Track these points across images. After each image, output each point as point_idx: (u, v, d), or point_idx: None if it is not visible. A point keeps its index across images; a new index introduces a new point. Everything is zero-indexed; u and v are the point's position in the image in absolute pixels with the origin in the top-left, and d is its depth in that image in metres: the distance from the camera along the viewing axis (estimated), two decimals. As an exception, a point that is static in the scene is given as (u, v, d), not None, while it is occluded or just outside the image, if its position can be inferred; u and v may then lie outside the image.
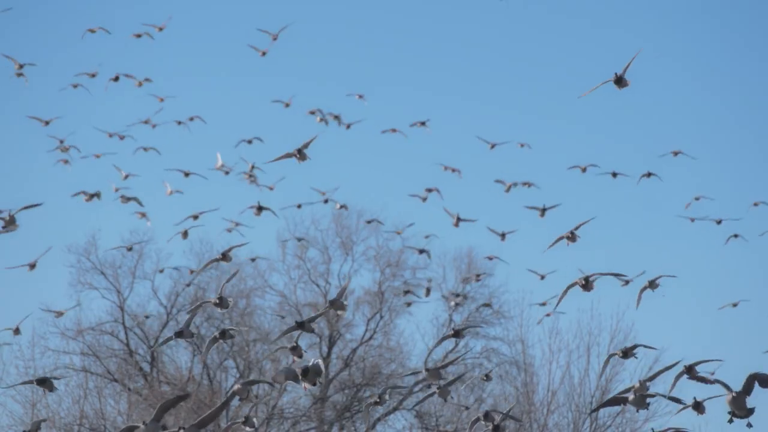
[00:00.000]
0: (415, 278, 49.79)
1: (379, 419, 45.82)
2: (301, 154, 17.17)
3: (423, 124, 34.65)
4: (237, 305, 47.15)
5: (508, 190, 32.49)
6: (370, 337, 48.26)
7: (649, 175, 29.66)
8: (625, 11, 62.43)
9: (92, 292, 46.87)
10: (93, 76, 31.79)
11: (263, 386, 45.17)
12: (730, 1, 60.98)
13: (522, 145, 35.08)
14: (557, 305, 16.58)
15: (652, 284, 17.91)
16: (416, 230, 47.53)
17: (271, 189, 34.23)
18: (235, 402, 43.78)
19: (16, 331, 24.37)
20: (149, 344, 46.09)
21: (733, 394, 12.20)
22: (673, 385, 13.90)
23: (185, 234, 30.11)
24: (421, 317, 64.66)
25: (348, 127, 34.53)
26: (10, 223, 18.06)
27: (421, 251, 41.01)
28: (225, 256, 18.06)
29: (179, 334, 16.14)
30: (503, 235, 31.78)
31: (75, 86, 32.07)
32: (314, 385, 14.57)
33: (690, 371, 13.55)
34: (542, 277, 32.33)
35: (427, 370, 15.75)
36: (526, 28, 64.67)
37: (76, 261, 47.35)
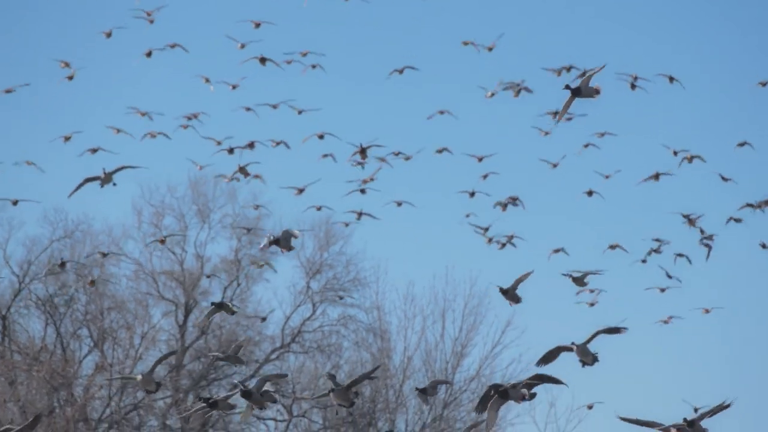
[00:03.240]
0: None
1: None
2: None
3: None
4: (92, 273, 46.47)
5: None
6: (227, 305, 48.04)
7: (671, 79, 25.96)
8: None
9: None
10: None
11: (117, 355, 44.79)
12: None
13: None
14: None
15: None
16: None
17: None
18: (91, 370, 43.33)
19: None
20: (0, 313, 45.13)
21: (577, 345, 13.97)
22: None
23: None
24: (278, 284, 64.62)
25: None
26: (107, 180, 19.30)
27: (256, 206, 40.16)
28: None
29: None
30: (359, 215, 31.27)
31: None
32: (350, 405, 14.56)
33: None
34: (554, 165, 30.19)
35: (332, 390, 14.89)
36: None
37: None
